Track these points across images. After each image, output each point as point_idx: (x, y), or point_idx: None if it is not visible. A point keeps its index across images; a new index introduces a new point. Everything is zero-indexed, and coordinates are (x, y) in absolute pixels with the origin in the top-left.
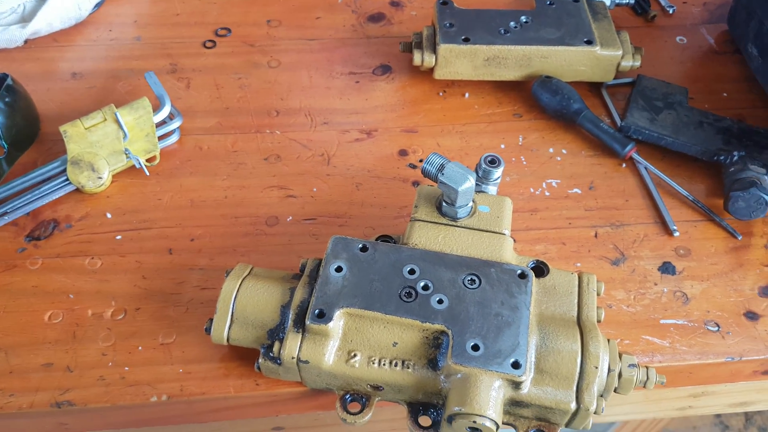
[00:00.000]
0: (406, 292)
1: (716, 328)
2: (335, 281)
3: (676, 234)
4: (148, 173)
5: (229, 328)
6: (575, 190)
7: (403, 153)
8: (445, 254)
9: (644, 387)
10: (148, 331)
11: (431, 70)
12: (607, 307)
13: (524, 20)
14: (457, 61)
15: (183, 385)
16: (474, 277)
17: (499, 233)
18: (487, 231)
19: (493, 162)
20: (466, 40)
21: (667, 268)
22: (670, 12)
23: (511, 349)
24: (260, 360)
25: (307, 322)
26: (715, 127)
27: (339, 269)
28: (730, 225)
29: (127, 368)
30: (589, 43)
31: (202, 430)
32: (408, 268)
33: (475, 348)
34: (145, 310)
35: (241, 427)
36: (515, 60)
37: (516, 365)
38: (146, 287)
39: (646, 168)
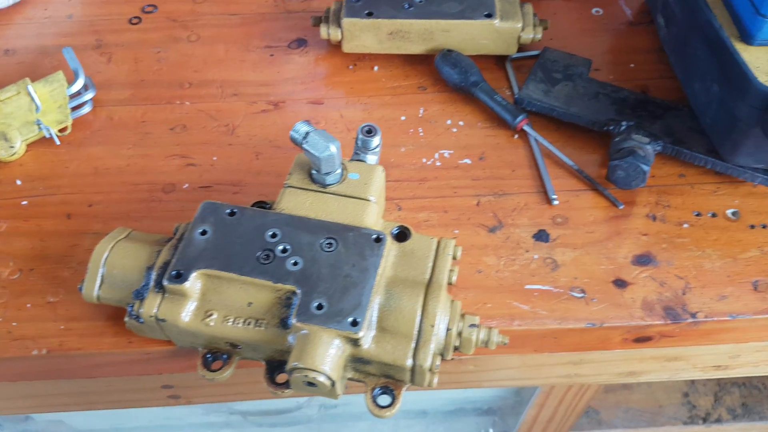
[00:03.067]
0: (264, 255)
1: (581, 295)
2: (198, 243)
3: (555, 203)
4: (59, 142)
5: (99, 288)
6: (466, 160)
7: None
8: (309, 219)
9: (486, 347)
10: (38, 290)
11: (341, 43)
12: (476, 273)
13: None
14: (362, 34)
15: (62, 341)
16: (332, 241)
17: (365, 199)
18: (353, 197)
19: (370, 132)
20: (370, 14)
21: (541, 236)
22: None
23: (352, 308)
24: (126, 318)
25: (164, 282)
26: (611, 98)
27: (204, 232)
28: (612, 194)
29: (15, 324)
30: (489, 16)
31: (97, 388)
32: (270, 232)
33: (320, 307)
34: (38, 271)
35: (132, 385)
36: (418, 34)
37: (354, 323)
38: (42, 249)
39: (535, 139)
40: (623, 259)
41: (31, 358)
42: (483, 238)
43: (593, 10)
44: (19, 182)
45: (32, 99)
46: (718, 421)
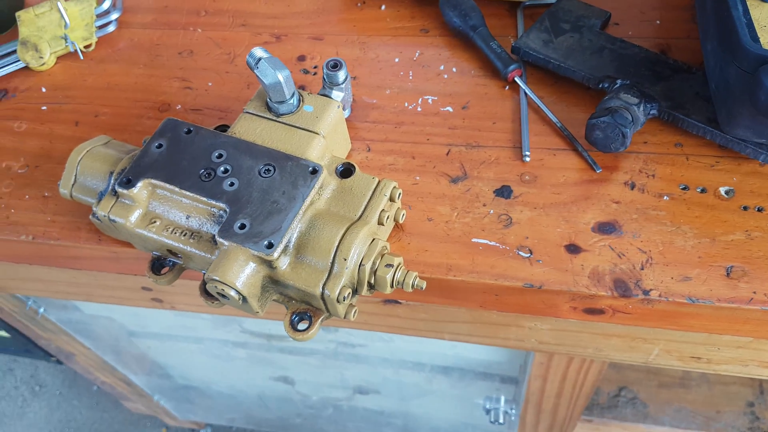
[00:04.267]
0: (206, 173)
1: (528, 255)
2: (151, 155)
3: (527, 159)
4: (82, 57)
5: (72, 187)
6: (448, 108)
7: (301, 58)
8: (255, 145)
9: (402, 287)
10: (38, 185)
11: None
12: (426, 220)
13: None
14: None
15: (46, 230)
16: (270, 168)
17: (314, 132)
18: (303, 129)
19: (336, 66)
20: None
21: (503, 192)
22: None
23: (271, 231)
24: (90, 216)
25: (116, 186)
26: (616, 54)
27: (159, 146)
28: (592, 157)
29: (12, 210)
30: None
31: (86, 280)
32: (217, 153)
33: (242, 227)
34: (42, 168)
35: (114, 282)
36: None
37: (269, 245)
38: (49, 150)
39: (524, 92)
40: (584, 225)
41: (20, 242)
42: (443, 188)
43: None
44: (44, 89)
45: (62, 15)
46: None
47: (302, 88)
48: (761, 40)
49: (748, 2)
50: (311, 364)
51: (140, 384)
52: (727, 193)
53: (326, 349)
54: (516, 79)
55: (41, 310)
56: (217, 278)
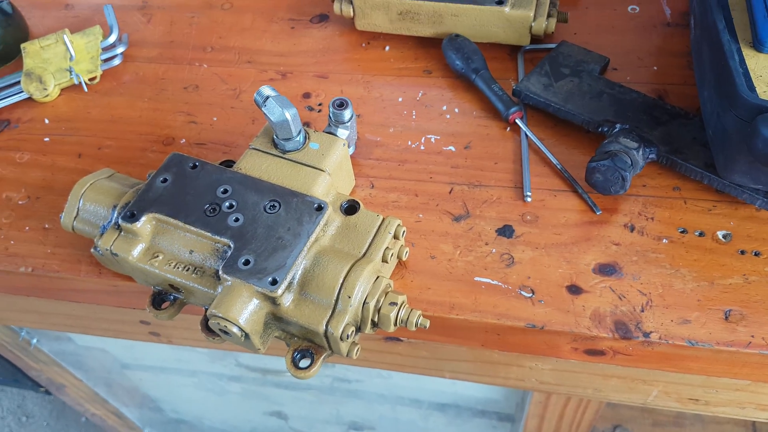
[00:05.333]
0: (211, 208)
1: (530, 295)
2: (156, 190)
3: (528, 200)
4: (86, 90)
5: (75, 219)
6: (450, 147)
7: (306, 96)
8: (261, 181)
9: (405, 326)
10: (39, 216)
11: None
12: (429, 258)
13: None
14: (373, 12)
15: (46, 263)
16: (276, 204)
17: (319, 169)
18: (308, 166)
19: (342, 105)
20: None
21: (505, 231)
22: None
23: (275, 268)
24: (92, 249)
25: (119, 220)
26: (615, 99)
27: (164, 180)
28: (592, 199)
29: (12, 242)
30: (500, 3)
31: (85, 313)
32: (222, 188)
33: (246, 263)
34: (43, 200)
35: (113, 315)
36: (427, 16)
37: (273, 282)
38: (51, 182)
39: (525, 133)
40: (585, 266)
41: (18, 274)
42: (445, 226)
43: (629, 8)
44: (47, 121)
45: (67, 48)
46: None
47: (307, 124)
48: (757, 89)
49: (744, 52)
50: (306, 399)
51: (131, 417)
52: (724, 237)
53: (322, 384)
54: (517, 121)
55: (34, 341)
56: (220, 314)
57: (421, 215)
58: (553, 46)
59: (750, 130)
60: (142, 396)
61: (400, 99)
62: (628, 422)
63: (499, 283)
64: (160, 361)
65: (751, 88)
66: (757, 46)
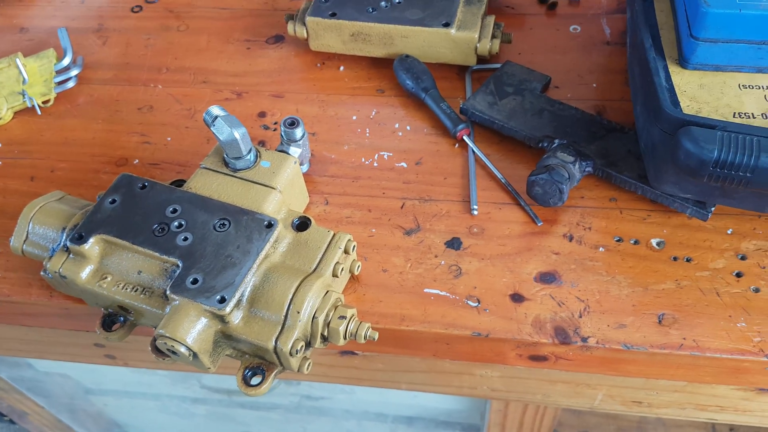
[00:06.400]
0: (160, 228)
1: (476, 304)
2: (105, 211)
3: (475, 213)
4: (40, 112)
5: (24, 242)
6: (402, 163)
7: (262, 115)
8: (211, 199)
9: (355, 339)
10: None
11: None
12: (381, 271)
13: (396, 0)
14: (326, 34)
15: None
16: (226, 222)
17: (270, 187)
18: (259, 184)
19: (293, 124)
20: (333, 15)
21: (453, 243)
22: (577, 1)
23: (224, 286)
24: (42, 272)
25: (67, 242)
26: (555, 115)
27: (113, 201)
28: (533, 211)
29: None
30: (447, 25)
31: (38, 337)
32: (171, 208)
33: (194, 282)
34: None
35: (67, 339)
36: (378, 38)
37: (222, 300)
38: (2, 205)
39: (472, 150)
40: (527, 275)
41: None
42: (397, 240)
43: (571, 28)
44: (0, 145)
45: (20, 72)
46: None
47: (262, 143)
48: (681, 104)
49: (670, 69)
50: (273, 419)
51: None
52: (658, 244)
53: (289, 403)
54: (464, 137)
55: None
56: (167, 335)
57: (373, 230)
58: (498, 66)
59: (673, 143)
60: (107, 421)
61: (354, 117)
62: (594, 428)
63: (448, 294)
64: (123, 384)
65: (675, 103)
66: (682, 63)
